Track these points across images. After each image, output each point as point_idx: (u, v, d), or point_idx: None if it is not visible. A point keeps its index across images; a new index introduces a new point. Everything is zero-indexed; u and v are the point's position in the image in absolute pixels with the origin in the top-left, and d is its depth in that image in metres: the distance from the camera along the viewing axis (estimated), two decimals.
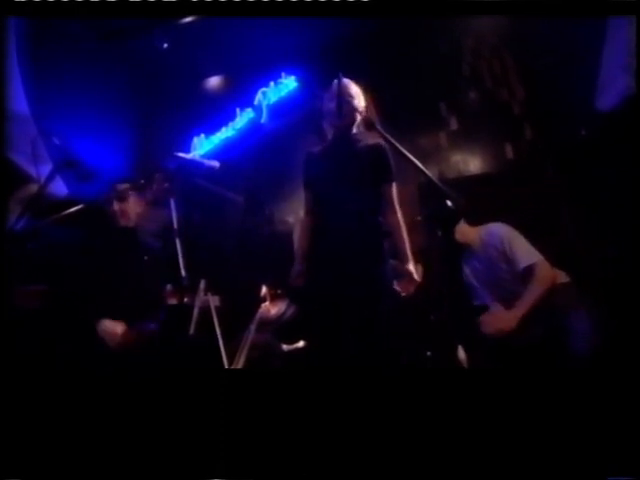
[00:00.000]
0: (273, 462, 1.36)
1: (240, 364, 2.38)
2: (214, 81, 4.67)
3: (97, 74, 3.76)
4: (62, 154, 2.08)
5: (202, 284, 2.23)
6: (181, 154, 2.15)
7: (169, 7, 1.94)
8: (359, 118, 2.15)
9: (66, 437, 1.38)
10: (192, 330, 1.98)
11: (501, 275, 2.38)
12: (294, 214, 3.85)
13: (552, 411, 1.34)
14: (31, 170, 2.40)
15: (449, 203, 1.52)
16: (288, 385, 1.42)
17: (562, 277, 2.34)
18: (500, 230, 2.43)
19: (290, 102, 4.31)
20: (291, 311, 2.87)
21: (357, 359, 1.98)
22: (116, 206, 2.35)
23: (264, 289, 2.94)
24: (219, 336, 2.20)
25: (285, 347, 2.73)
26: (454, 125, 3.94)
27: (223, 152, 4.31)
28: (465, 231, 2.45)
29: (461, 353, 2.19)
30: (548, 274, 2.29)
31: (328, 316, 2.07)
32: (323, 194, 2.17)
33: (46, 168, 2.14)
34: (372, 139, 2.12)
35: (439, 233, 1.88)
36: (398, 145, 1.71)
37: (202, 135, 4.50)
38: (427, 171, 1.62)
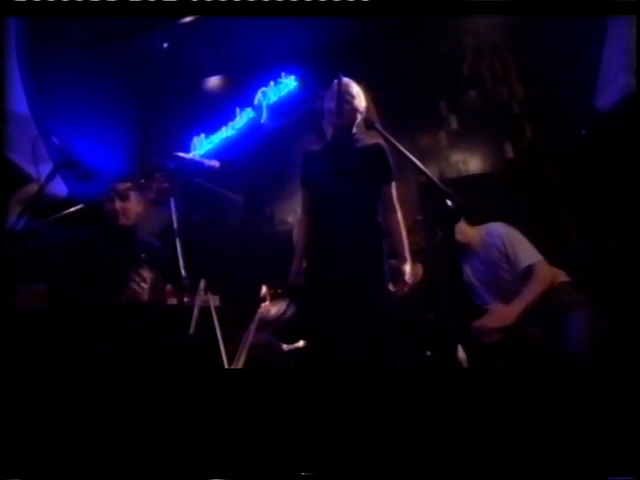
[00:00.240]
0: (273, 462, 1.36)
1: (240, 364, 2.38)
2: (214, 81, 4.68)
3: (97, 74, 3.76)
4: (62, 154, 2.08)
5: (202, 284, 2.22)
6: (181, 154, 2.14)
7: (169, 7, 1.95)
8: (359, 118, 2.15)
9: (66, 437, 1.38)
10: (192, 330, 1.98)
11: (501, 275, 2.38)
12: (294, 214, 3.85)
13: (552, 411, 1.34)
14: (31, 170, 2.40)
15: (449, 203, 1.51)
16: (288, 385, 1.42)
17: (561, 276, 2.34)
18: (500, 230, 2.44)
19: (290, 102, 4.31)
20: (291, 311, 2.87)
21: (357, 358, 1.99)
22: (117, 204, 2.36)
23: (264, 289, 2.95)
24: (219, 336, 2.20)
25: (285, 347, 2.73)
26: (454, 125, 3.94)
27: (223, 152, 4.32)
28: (465, 231, 2.45)
29: (461, 353, 2.19)
30: (548, 273, 2.29)
31: (328, 315, 2.07)
32: (321, 193, 2.17)
33: (46, 168, 2.14)
34: (372, 139, 2.11)
35: (439, 233, 1.87)
36: (398, 145, 1.71)
37: (202, 135, 4.50)
38: (427, 171, 1.62)
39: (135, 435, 1.38)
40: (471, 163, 3.85)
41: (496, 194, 3.06)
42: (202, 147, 4.47)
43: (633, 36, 2.18)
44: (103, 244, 2.36)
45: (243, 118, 4.47)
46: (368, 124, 2.02)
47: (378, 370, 1.84)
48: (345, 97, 2.08)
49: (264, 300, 2.89)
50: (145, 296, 2.13)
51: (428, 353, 2.60)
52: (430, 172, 1.62)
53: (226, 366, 2.19)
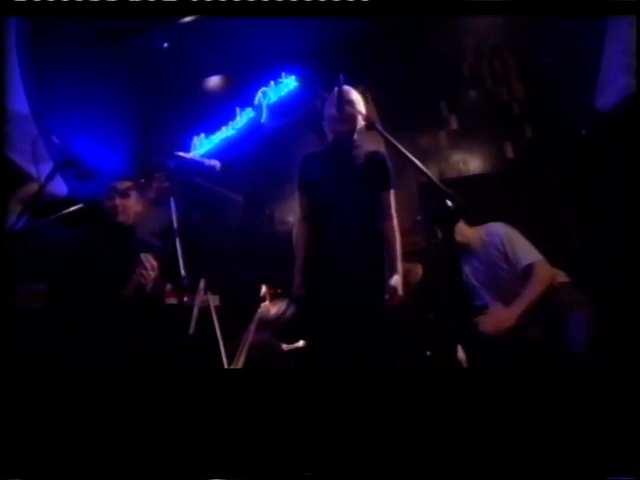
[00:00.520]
0: (273, 462, 1.36)
1: (240, 364, 2.38)
2: (214, 81, 4.68)
3: (97, 74, 3.76)
4: (62, 153, 2.08)
5: (202, 284, 2.22)
6: (181, 153, 2.14)
7: (169, 7, 1.95)
8: (360, 124, 2.15)
9: (66, 437, 1.39)
10: (192, 330, 1.98)
11: (501, 275, 2.38)
12: (294, 214, 3.85)
13: (552, 411, 1.34)
14: (31, 169, 2.39)
15: (449, 203, 1.51)
16: (288, 385, 1.42)
17: (561, 276, 2.34)
18: (500, 230, 2.44)
19: (290, 102, 4.31)
20: (291, 311, 2.87)
21: (357, 359, 1.99)
22: (118, 202, 2.36)
23: (264, 289, 2.95)
24: (219, 336, 2.20)
25: (285, 347, 2.73)
26: (454, 125, 3.94)
27: (223, 152, 4.32)
28: (465, 231, 2.45)
29: (460, 353, 2.19)
30: (548, 273, 2.29)
31: (330, 320, 2.07)
32: (320, 198, 2.17)
33: (46, 167, 2.14)
34: (371, 146, 2.12)
35: (439, 233, 1.87)
36: (398, 145, 1.71)
37: (202, 135, 4.50)
38: (427, 171, 1.62)
39: (135, 435, 1.38)
40: (471, 163, 3.85)
41: (496, 194, 3.07)
42: (202, 147, 4.47)
43: (633, 36, 2.18)
44: (102, 242, 2.36)
45: (243, 118, 4.47)
46: (368, 124, 2.02)
47: (378, 370, 1.84)
48: (346, 104, 2.08)
49: (264, 300, 2.89)
50: (149, 285, 2.13)
51: (428, 353, 2.61)
52: (430, 172, 1.62)
53: (226, 366, 2.19)
